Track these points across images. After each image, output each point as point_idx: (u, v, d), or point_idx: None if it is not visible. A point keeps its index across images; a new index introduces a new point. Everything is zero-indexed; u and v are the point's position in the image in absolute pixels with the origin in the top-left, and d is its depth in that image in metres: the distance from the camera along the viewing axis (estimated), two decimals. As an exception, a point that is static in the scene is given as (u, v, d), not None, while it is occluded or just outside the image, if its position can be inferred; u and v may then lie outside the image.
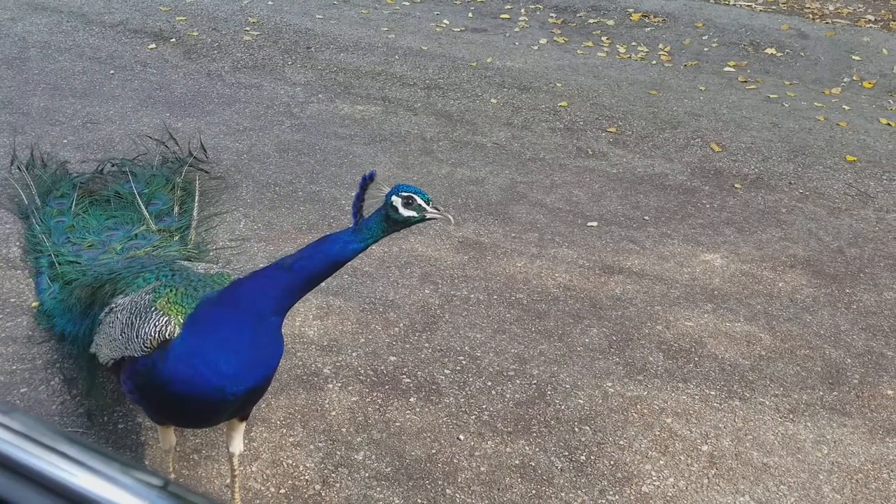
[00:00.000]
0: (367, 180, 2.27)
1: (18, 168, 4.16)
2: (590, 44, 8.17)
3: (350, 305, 4.04)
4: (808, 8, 9.54)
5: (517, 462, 3.19)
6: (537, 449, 3.26)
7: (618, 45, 8.17)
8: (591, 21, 8.82)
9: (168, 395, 2.36)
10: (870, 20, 9.24)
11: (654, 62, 7.81)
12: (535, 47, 8.00)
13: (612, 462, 3.22)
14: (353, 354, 3.71)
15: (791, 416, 3.53)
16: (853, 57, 8.03)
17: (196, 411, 2.43)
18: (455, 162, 5.61)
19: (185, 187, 3.77)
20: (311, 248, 2.31)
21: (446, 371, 3.65)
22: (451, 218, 2.39)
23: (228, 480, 2.91)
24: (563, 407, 3.49)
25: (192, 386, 2.31)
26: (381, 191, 2.28)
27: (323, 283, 2.39)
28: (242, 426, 2.72)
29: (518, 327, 3.98)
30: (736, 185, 5.52)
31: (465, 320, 4.00)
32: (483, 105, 6.57)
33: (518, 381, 3.62)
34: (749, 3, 9.59)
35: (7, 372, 3.44)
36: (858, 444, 3.39)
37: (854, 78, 7.57)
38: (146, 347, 2.36)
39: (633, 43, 8.27)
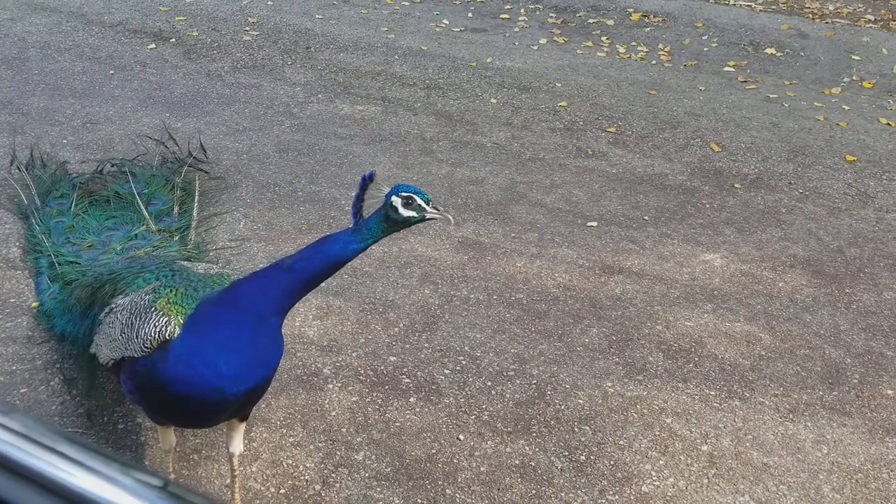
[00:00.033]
0: (367, 180, 2.27)
1: (18, 168, 4.16)
2: (589, 44, 8.17)
3: (350, 305, 4.04)
4: (808, 8, 9.54)
5: (517, 462, 3.19)
6: (537, 449, 3.26)
7: (618, 45, 8.17)
8: (590, 21, 8.82)
9: (168, 396, 2.36)
10: (869, 20, 9.25)
11: (653, 62, 7.81)
12: (535, 47, 8.01)
13: (611, 462, 3.22)
14: (353, 354, 3.71)
15: (791, 415, 3.53)
16: (853, 57, 8.03)
17: (196, 412, 2.43)
18: (455, 162, 5.61)
19: (184, 187, 3.77)
20: (311, 248, 2.31)
21: (446, 371, 3.65)
22: (450, 218, 2.39)
23: (228, 480, 2.91)
24: (562, 407, 3.49)
25: (192, 386, 2.31)
26: (380, 191, 2.28)
27: (323, 284, 2.39)
28: (242, 426, 2.72)
29: (518, 327, 3.98)
30: (736, 185, 5.52)
31: (464, 320, 4.00)
32: (483, 105, 6.57)
33: (518, 381, 3.62)
34: (749, 3, 9.59)
35: (7, 372, 3.43)
36: (858, 444, 3.39)
37: (854, 78, 7.57)
38: (146, 348, 2.36)
39: (633, 43, 8.27)
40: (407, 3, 9.06)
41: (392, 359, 3.70)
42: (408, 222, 2.28)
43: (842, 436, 3.44)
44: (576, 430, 3.37)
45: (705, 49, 8.18)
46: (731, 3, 9.60)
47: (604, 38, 8.34)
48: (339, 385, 3.52)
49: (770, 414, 3.53)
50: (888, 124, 6.62)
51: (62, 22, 7.77)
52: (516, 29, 8.50)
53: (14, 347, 3.57)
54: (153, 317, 2.37)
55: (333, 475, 3.07)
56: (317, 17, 8.42)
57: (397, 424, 3.33)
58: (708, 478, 3.18)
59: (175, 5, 8.42)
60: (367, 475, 3.08)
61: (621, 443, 3.32)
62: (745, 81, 7.41)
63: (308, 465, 3.11)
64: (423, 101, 6.57)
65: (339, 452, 3.18)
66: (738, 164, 5.82)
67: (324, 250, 2.29)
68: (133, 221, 3.42)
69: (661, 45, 8.23)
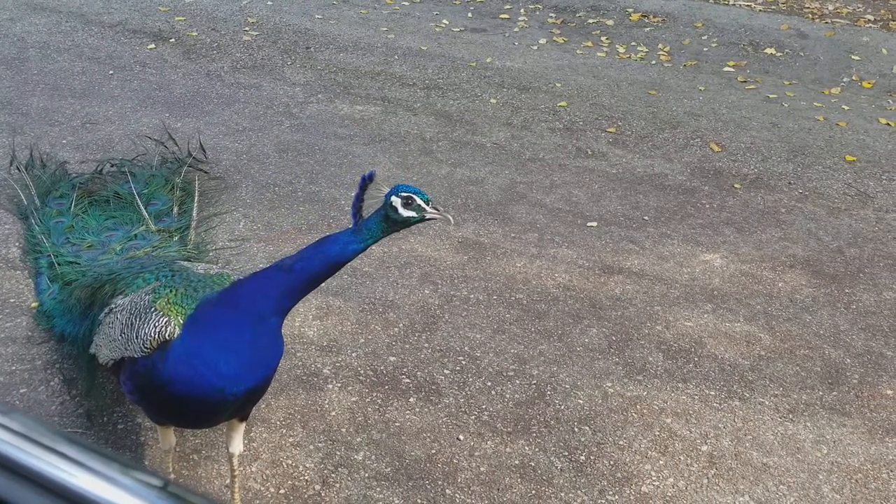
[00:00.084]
0: (367, 181, 2.26)
1: (18, 168, 4.16)
2: (589, 44, 8.17)
3: (350, 306, 4.04)
4: (808, 8, 9.54)
5: (517, 462, 3.19)
6: (537, 449, 3.26)
7: (617, 45, 8.17)
8: (590, 21, 8.82)
9: (168, 396, 2.36)
10: (869, 20, 9.25)
11: (653, 62, 7.82)
12: (535, 47, 8.01)
13: (611, 462, 3.22)
14: (353, 355, 3.71)
15: (791, 416, 3.53)
16: (853, 57, 8.03)
17: (196, 412, 2.43)
18: (455, 162, 5.61)
19: (184, 187, 3.77)
20: (311, 248, 2.31)
21: (446, 371, 3.65)
22: (450, 218, 2.39)
23: (228, 481, 2.91)
24: (562, 407, 3.49)
25: (192, 387, 2.31)
26: (380, 191, 2.28)
27: (323, 284, 2.39)
28: (242, 426, 2.72)
29: (518, 327, 3.98)
30: (735, 185, 5.53)
31: (464, 320, 4.00)
32: (482, 105, 6.57)
33: (518, 382, 3.62)
34: (748, 3, 9.59)
35: (7, 372, 3.43)
36: (858, 444, 3.40)
37: (853, 78, 7.57)
38: (146, 348, 2.36)
39: (633, 43, 8.27)
40: (407, 3, 9.06)
41: (392, 359, 3.70)
42: (407, 222, 2.27)
43: (841, 436, 3.44)
44: (576, 430, 3.37)
45: (705, 49, 8.18)
46: (731, 3, 9.60)
47: (603, 38, 8.35)
48: (339, 385, 3.52)
49: (770, 414, 3.53)
50: (888, 124, 6.62)
51: (62, 22, 7.77)
52: (516, 29, 8.50)
53: (14, 347, 3.57)
54: (153, 317, 2.37)
55: (333, 475, 3.07)
56: (316, 17, 8.42)
57: (397, 424, 3.33)
58: (708, 478, 3.18)
59: (175, 5, 8.42)
60: (366, 475, 3.08)
61: (621, 443, 3.32)
62: (745, 81, 7.41)
63: (308, 465, 3.11)
64: (422, 101, 6.57)
65: (338, 452, 3.18)
66: (737, 164, 5.82)
67: (324, 251, 2.29)
68: (133, 222, 3.42)
69: (660, 45, 8.23)
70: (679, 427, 3.42)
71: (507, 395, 3.54)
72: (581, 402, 3.53)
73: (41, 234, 3.39)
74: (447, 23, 8.51)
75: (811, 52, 8.12)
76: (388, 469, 3.12)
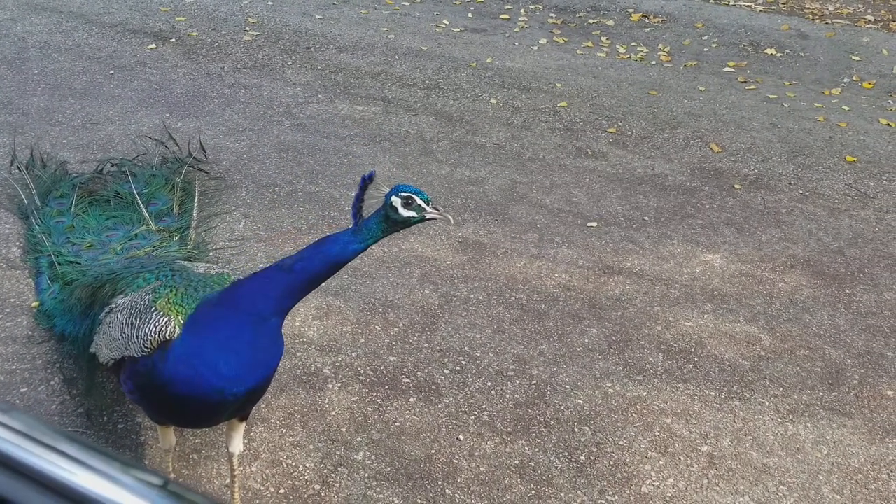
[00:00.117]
0: (367, 181, 2.26)
1: (18, 168, 4.16)
2: (589, 44, 8.18)
3: (350, 306, 4.04)
4: (808, 8, 9.54)
5: (517, 462, 3.19)
6: (537, 449, 3.26)
7: (617, 46, 8.17)
8: (590, 21, 8.82)
9: (168, 396, 2.36)
10: (869, 20, 9.25)
11: (653, 62, 7.82)
12: (535, 47, 8.01)
13: (611, 462, 3.22)
14: (353, 354, 3.71)
15: (791, 416, 3.53)
16: (853, 57, 8.03)
17: (196, 412, 2.43)
18: (455, 162, 5.61)
19: (184, 187, 3.77)
20: (311, 248, 2.31)
21: (446, 371, 3.65)
22: (450, 218, 2.39)
23: (228, 480, 2.91)
24: (562, 407, 3.49)
25: (192, 386, 2.31)
26: (380, 191, 2.28)
27: (323, 284, 2.39)
28: (242, 426, 2.72)
29: (518, 327, 3.98)
30: (736, 186, 5.53)
31: (464, 320, 4.00)
32: (483, 105, 6.57)
33: (518, 382, 3.62)
34: (749, 4, 9.60)
35: (7, 372, 3.44)
36: (858, 445, 3.40)
37: (854, 78, 7.57)
38: (146, 348, 2.36)
39: (633, 43, 8.27)
40: (407, 4, 9.07)
41: (392, 359, 3.70)
42: (407, 222, 2.27)
43: (842, 436, 3.44)
44: (575, 430, 3.38)
45: (705, 49, 8.19)
46: (731, 3, 9.60)
47: (604, 39, 8.35)
48: (339, 385, 3.52)
49: (770, 414, 3.53)
50: (888, 125, 6.62)
51: (62, 22, 7.77)
52: (516, 29, 8.50)
53: (14, 347, 3.57)
54: (153, 317, 2.37)
55: (333, 475, 3.07)
56: (317, 17, 8.42)
57: (397, 424, 3.34)
58: (708, 478, 3.18)
59: (175, 5, 8.42)
60: (366, 475, 3.08)
61: (621, 443, 3.32)
62: (745, 82, 7.42)
63: (308, 464, 3.11)
64: (422, 101, 6.57)
65: (338, 452, 3.18)
66: (738, 164, 5.82)
67: (324, 251, 2.29)
68: (133, 221, 3.42)
69: (661, 46, 8.23)
70: (679, 427, 3.42)
71: (507, 396, 3.54)
72: (581, 402, 3.53)
73: (42, 234, 3.39)
74: (447, 23, 8.51)
75: (811, 53, 8.12)
76: (388, 469, 3.12)
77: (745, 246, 4.83)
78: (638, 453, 3.28)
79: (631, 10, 9.08)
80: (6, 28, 7.50)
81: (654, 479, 3.16)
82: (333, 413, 3.37)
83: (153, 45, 7.37)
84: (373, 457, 3.16)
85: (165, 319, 2.36)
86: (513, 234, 4.79)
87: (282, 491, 3.00)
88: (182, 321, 2.35)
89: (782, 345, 3.99)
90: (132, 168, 3.92)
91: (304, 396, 3.44)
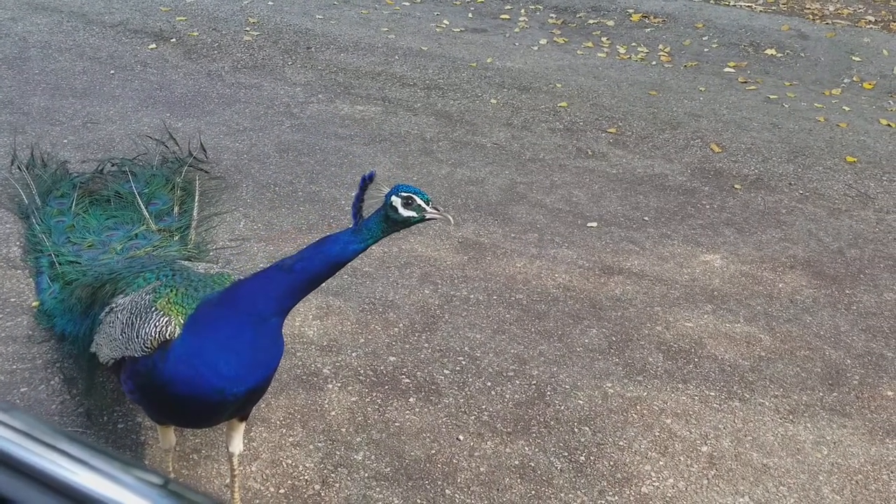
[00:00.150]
0: (367, 181, 2.26)
1: (19, 168, 4.16)
2: (590, 44, 8.18)
3: (350, 306, 4.04)
4: (809, 9, 9.54)
5: (517, 462, 3.19)
6: (537, 449, 3.26)
7: (618, 46, 8.18)
8: (590, 21, 8.82)
9: (168, 396, 2.36)
10: (870, 21, 9.25)
11: (654, 63, 7.82)
12: (535, 48, 8.01)
13: (611, 463, 3.22)
14: (353, 354, 3.71)
15: (791, 416, 3.53)
16: (853, 58, 8.03)
17: (196, 412, 2.43)
18: (455, 162, 5.61)
19: (184, 187, 3.77)
20: (312, 249, 2.31)
21: (446, 371, 3.66)
22: (450, 218, 2.39)
23: (228, 480, 2.91)
24: (562, 407, 3.49)
25: (193, 386, 2.31)
26: (380, 191, 2.28)
27: (323, 284, 2.39)
28: (242, 426, 2.72)
29: (518, 328, 3.98)
30: (736, 186, 5.53)
31: (464, 321, 4.00)
32: (483, 105, 6.57)
33: (518, 382, 3.62)
34: (749, 4, 9.60)
35: (7, 371, 3.44)
36: (858, 446, 3.40)
37: (854, 79, 7.57)
38: (146, 348, 2.36)
39: (633, 43, 8.27)
40: (407, 4, 9.07)
41: (392, 359, 3.71)
42: (407, 222, 2.28)
43: (842, 437, 3.44)
44: (575, 430, 3.38)
45: (705, 50, 8.19)
46: (732, 3, 9.60)
47: (604, 39, 8.35)
48: (339, 385, 3.52)
49: (770, 415, 3.53)
50: (888, 125, 6.62)
51: (63, 22, 7.77)
52: (516, 29, 8.50)
53: (14, 346, 3.57)
54: (154, 317, 2.38)
55: (333, 475, 3.07)
56: (317, 17, 8.42)
57: (397, 424, 3.34)
58: (708, 479, 3.18)
59: (176, 5, 8.42)
60: (366, 475, 3.08)
61: (621, 443, 3.32)
62: (746, 82, 7.42)
63: (308, 464, 3.11)
64: (423, 101, 6.57)
65: (338, 452, 3.18)
66: (738, 164, 5.83)
67: (324, 251, 2.29)
68: (133, 221, 3.42)
69: (661, 46, 8.23)
70: (679, 428, 3.42)
71: (507, 396, 3.54)
72: (581, 402, 3.53)
73: (42, 234, 3.39)
74: (448, 23, 8.51)
75: (812, 53, 8.12)
76: (388, 469, 3.12)
77: (745, 246, 4.83)
78: (638, 453, 3.28)
79: (631, 11, 9.08)
80: (7, 28, 7.50)
81: (654, 479, 3.16)
82: (333, 413, 3.37)
83: (154, 45, 7.37)
84: (373, 457, 3.16)
85: (166, 319, 2.36)
86: (513, 235, 4.79)
87: (282, 491, 3.00)
88: (182, 321, 2.35)
89: (782, 345, 3.99)
90: (132, 168, 3.92)
91: (304, 396, 3.44)
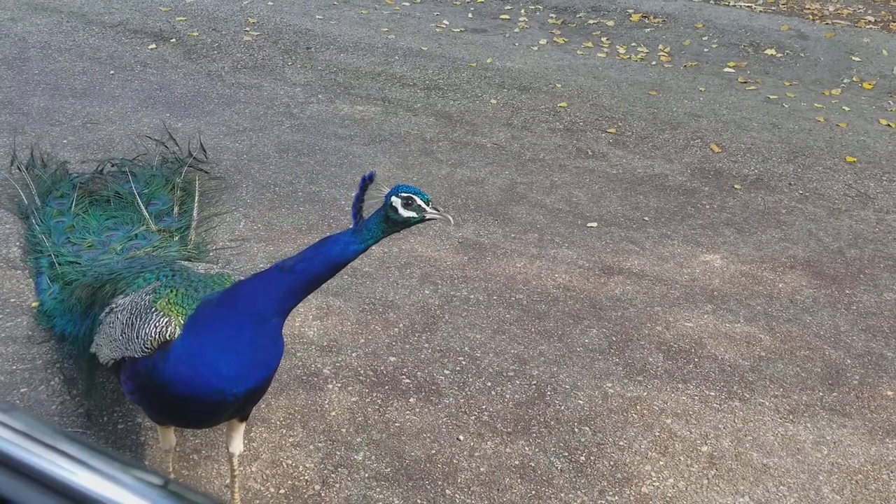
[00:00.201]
0: (367, 181, 2.27)
1: (18, 168, 4.16)
2: (590, 44, 8.18)
3: (350, 306, 4.04)
4: (808, 9, 9.54)
5: (517, 462, 3.19)
6: (537, 449, 3.26)
7: (618, 46, 8.18)
8: (590, 22, 8.82)
9: (168, 396, 2.36)
10: (870, 21, 9.25)
11: (653, 63, 7.82)
12: (535, 48, 8.01)
13: (611, 463, 3.22)
14: (353, 355, 3.71)
15: (791, 416, 3.53)
16: (853, 58, 8.03)
17: (196, 412, 2.43)
18: (455, 162, 5.61)
19: (184, 187, 3.77)
20: (312, 249, 2.31)
21: (446, 371, 3.66)
22: (450, 218, 2.39)
23: (228, 480, 2.91)
24: (562, 407, 3.49)
25: (193, 387, 2.31)
26: (380, 191, 2.28)
27: (323, 284, 2.39)
28: (242, 426, 2.72)
29: (518, 328, 3.98)
30: (736, 186, 5.53)
31: (464, 321, 4.00)
32: (483, 106, 6.57)
33: (518, 382, 3.62)
34: (749, 4, 9.60)
35: (7, 372, 3.44)
36: (858, 445, 3.40)
37: (854, 79, 7.57)
38: (146, 348, 2.36)
39: (633, 44, 8.27)
40: (407, 4, 9.07)
41: (392, 359, 3.70)
42: (408, 223, 2.27)
43: (842, 437, 3.44)
44: (576, 430, 3.38)
45: (705, 50, 8.19)
46: (732, 4, 9.60)
47: (604, 39, 8.35)
48: (339, 385, 3.52)
49: (770, 415, 3.53)
50: (888, 125, 6.62)
51: (62, 22, 7.77)
52: (516, 29, 8.50)
53: (14, 347, 3.57)
54: (154, 317, 2.38)
55: (333, 475, 3.07)
56: (317, 17, 8.42)
57: (397, 425, 3.34)
58: (708, 479, 3.18)
59: (175, 5, 8.42)
60: (366, 475, 3.08)
61: (621, 443, 3.32)
62: (746, 82, 7.42)
63: (308, 465, 3.11)
64: (423, 101, 6.58)
65: (338, 452, 3.18)
66: (738, 164, 5.83)
67: (324, 251, 2.29)
68: (133, 221, 3.42)
69: (661, 46, 8.23)
70: (679, 428, 3.42)
71: (507, 396, 3.54)
72: (581, 402, 3.53)
73: (42, 234, 3.39)
74: (447, 23, 8.51)
75: (812, 53, 8.12)
76: (388, 469, 3.12)
77: (745, 246, 4.83)
78: (638, 453, 3.28)
79: (631, 11, 9.09)
80: (6, 28, 7.50)
81: (654, 479, 3.16)
82: (333, 413, 3.37)
83: (153, 46, 7.37)
84: (373, 457, 3.16)
85: (166, 320, 2.36)
86: (513, 235, 4.79)
87: (282, 491, 3.00)
88: (182, 321, 2.35)
89: (782, 345, 3.99)
90: (132, 168, 3.92)
91: (304, 396, 3.44)
